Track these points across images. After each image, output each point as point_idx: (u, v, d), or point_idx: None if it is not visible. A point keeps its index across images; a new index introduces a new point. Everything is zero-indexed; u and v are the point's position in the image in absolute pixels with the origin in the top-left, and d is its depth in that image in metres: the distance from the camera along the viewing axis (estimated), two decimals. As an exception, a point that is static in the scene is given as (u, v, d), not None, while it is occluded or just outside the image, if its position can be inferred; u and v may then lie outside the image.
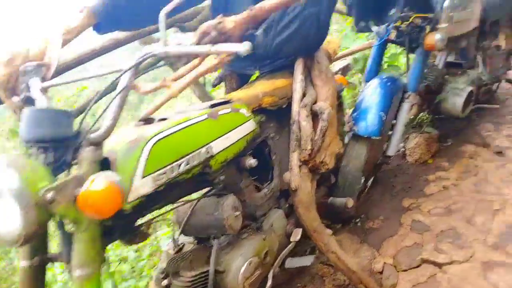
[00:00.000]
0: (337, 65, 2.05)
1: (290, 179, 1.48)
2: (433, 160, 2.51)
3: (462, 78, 2.43)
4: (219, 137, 1.19)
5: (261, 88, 1.51)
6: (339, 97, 2.00)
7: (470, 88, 2.37)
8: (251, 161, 1.34)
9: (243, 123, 1.29)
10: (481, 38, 2.55)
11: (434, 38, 1.83)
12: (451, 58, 2.59)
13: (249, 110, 1.35)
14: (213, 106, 1.28)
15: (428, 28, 1.84)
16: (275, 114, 1.54)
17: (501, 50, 2.86)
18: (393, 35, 2.01)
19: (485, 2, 2.33)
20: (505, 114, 2.94)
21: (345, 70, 2.07)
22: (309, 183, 1.51)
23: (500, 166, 2.35)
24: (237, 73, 1.72)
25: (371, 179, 2.17)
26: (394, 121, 2.01)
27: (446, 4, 1.99)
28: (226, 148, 1.21)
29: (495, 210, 2.01)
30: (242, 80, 1.70)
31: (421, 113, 2.70)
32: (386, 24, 1.92)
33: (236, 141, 1.26)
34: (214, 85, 1.80)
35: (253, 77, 1.72)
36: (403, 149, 2.56)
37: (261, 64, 1.65)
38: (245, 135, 1.30)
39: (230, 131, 1.23)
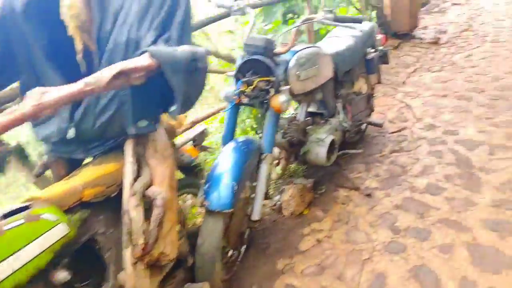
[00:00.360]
0: (191, 133, 1.95)
1: (125, 280, 1.29)
2: (308, 210, 2.50)
3: (324, 127, 2.50)
4: (3, 260, 0.97)
5: (84, 178, 1.33)
6: (195, 167, 1.90)
7: (332, 137, 2.44)
8: (62, 275, 1.13)
9: (47, 231, 1.09)
10: (338, 88, 2.68)
11: (279, 101, 1.83)
12: (313, 108, 2.67)
13: (58, 212, 1.15)
14: (6, 215, 1.07)
15: (272, 90, 1.84)
16: (106, 205, 1.36)
17: (361, 95, 3.05)
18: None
19: (334, 56, 2.47)
20: (374, 153, 3.11)
21: (201, 136, 1.97)
22: (147, 280, 1.34)
23: (369, 209, 2.42)
24: (65, 159, 1.51)
25: (244, 247, 2.06)
26: (255, 183, 1.94)
27: (291, 64, 2.04)
28: (17, 270, 1.00)
29: (364, 260, 2.02)
30: (72, 166, 1.49)
31: (291, 165, 2.72)
32: (234, 89, 1.89)
33: (35, 257, 1.05)
34: (38, 175, 1.57)
35: (86, 161, 1.53)
36: (279, 202, 2.53)
37: (89, 147, 1.46)
38: (51, 245, 1.10)
39: (22, 248, 1.02)
